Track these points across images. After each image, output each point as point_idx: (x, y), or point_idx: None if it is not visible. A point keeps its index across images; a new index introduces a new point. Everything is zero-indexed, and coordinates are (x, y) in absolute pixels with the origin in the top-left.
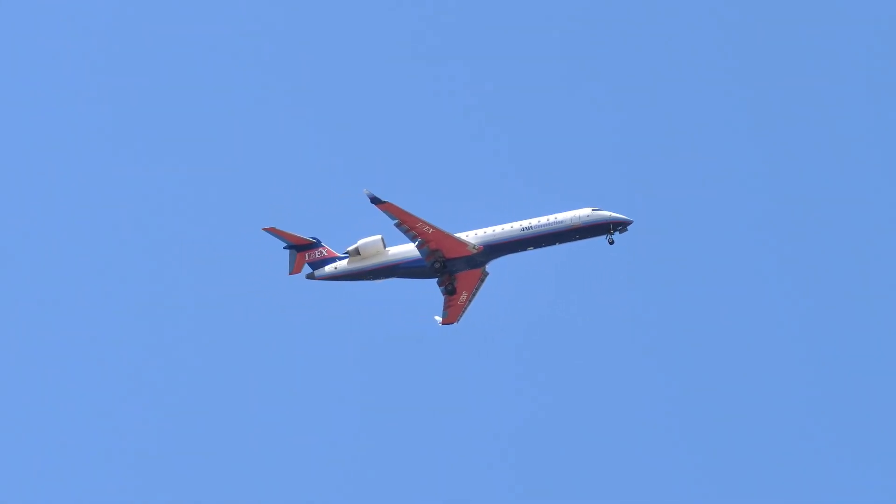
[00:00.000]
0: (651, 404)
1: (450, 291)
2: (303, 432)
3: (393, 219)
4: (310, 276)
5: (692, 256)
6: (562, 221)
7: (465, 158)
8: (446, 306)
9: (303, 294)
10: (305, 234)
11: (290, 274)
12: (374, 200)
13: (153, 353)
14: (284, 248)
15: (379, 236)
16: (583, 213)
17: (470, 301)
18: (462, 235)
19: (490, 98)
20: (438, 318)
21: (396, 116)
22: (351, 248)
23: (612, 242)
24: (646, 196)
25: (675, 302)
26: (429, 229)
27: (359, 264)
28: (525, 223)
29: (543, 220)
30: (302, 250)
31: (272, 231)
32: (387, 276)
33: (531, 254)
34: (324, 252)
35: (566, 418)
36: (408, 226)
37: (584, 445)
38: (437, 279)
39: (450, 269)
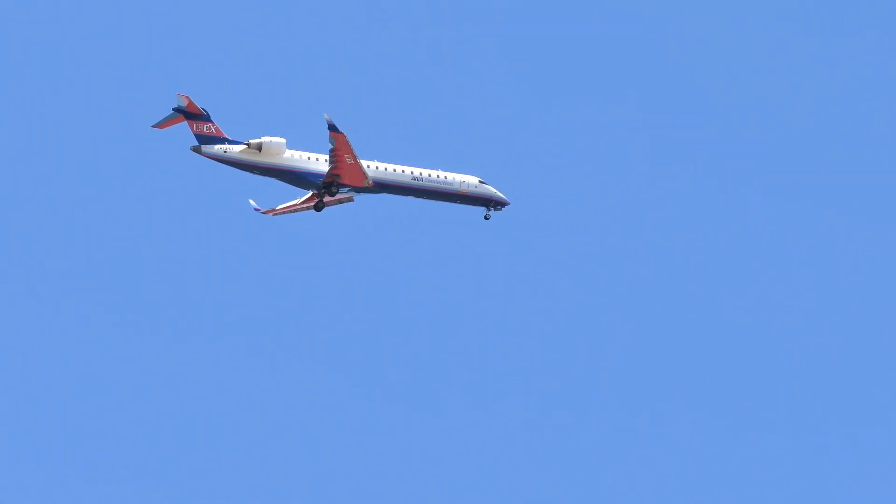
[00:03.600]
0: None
1: (318, 207)
2: None
3: (331, 144)
4: (195, 149)
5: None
6: (451, 183)
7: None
8: (287, 205)
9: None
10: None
11: (153, 126)
12: (332, 128)
13: None
14: (173, 108)
15: (284, 140)
16: (472, 181)
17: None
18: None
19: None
20: (254, 203)
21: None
22: (254, 141)
23: (487, 218)
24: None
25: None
26: (351, 160)
27: (253, 157)
28: (416, 171)
29: (434, 174)
30: (190, 118)
31: (184, 98)
32: (271, 177)
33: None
34: (212, 128)
35: None
36: (338, 154)
37: None
38: (313, 191)
39: (336, 190)
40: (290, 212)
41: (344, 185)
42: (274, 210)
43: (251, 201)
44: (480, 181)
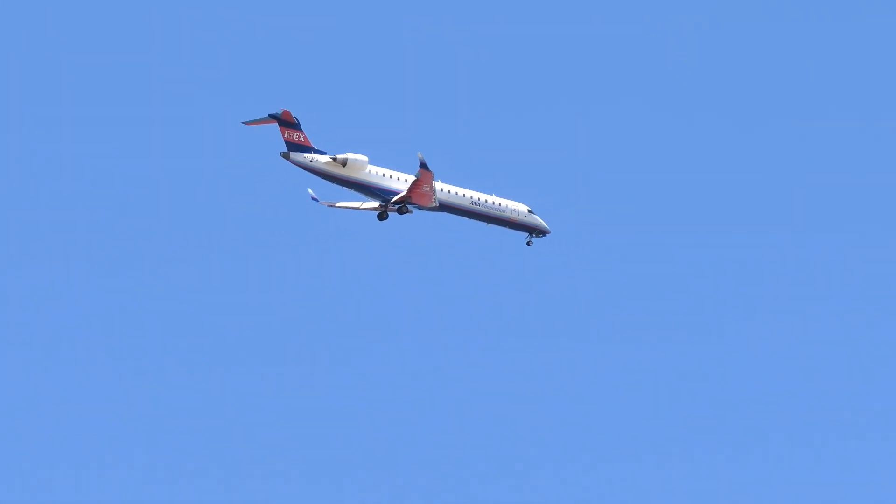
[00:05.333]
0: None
1: (382, 217)
2: None
3: (418, 177)
4: (284, 155)
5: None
6: (503, 210)
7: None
8: (349, 204)
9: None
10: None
11: (244, 122)
12: (423, 166)
13: None
14: (269, 114)
15: (367, 158)
16: (522, 209)
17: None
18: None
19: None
20: (313, 193)
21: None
22: (340, 156)
23: (529, 244)
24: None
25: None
26: (428, 190)
27: (336, 170)
28: (475, 196)
29: (490, 199)
30: (282, 125)
31: (285, 112)
32: (349, 188)
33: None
34: (301, 137)
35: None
36: (420, 184)
37: None
38: (380, 202)
39: (405, 209)
40: (350, 209)
41: (412, 205)
42: (333, 204)
43: (310, 190)
44: (529, 210)
